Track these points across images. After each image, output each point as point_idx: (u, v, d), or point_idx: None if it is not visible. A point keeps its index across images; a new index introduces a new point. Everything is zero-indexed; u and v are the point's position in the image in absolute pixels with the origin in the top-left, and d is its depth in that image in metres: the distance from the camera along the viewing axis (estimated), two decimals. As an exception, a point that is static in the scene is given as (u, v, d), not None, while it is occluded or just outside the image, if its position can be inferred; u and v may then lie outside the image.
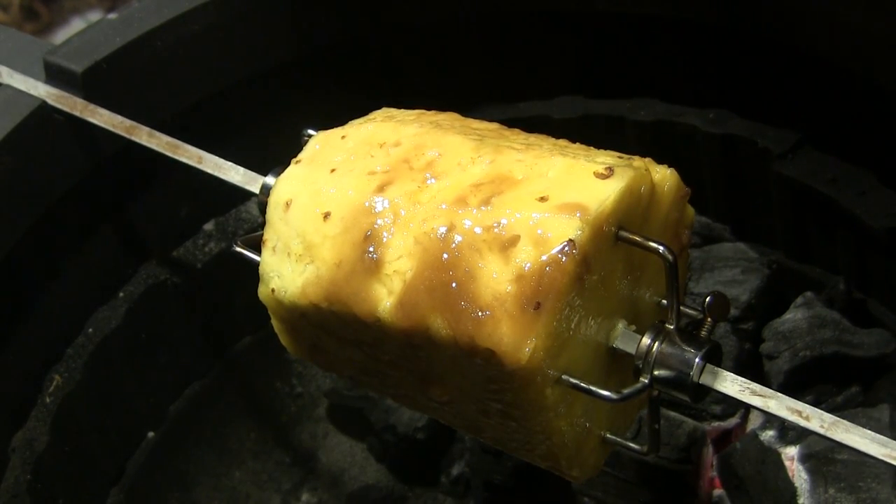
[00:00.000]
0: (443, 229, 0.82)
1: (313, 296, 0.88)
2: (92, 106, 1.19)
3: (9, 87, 1.23)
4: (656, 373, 0.84)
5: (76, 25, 2.52)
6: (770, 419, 1.16)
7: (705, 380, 0.83)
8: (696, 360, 0.83)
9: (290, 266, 0.90)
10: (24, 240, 1.20)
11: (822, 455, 1.11)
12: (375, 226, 0.85)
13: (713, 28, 1.30)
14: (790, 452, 1.15)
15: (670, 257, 0.81)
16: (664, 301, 0.89)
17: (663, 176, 0.85)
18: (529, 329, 0.78)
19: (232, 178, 1.07)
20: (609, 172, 0.80)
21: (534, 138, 0.89)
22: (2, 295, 1.21)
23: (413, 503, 1.44)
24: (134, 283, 1.35)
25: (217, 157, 1.09)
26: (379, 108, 0.99)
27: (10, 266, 1.19)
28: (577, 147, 0.88)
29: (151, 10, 1.29)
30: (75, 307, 1.31)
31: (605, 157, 0.84)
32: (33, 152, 1.21)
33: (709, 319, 0.85)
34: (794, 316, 1.25)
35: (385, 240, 0.84)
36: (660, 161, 0.89)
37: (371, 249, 0.84)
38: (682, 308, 0.87)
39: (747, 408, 1.23)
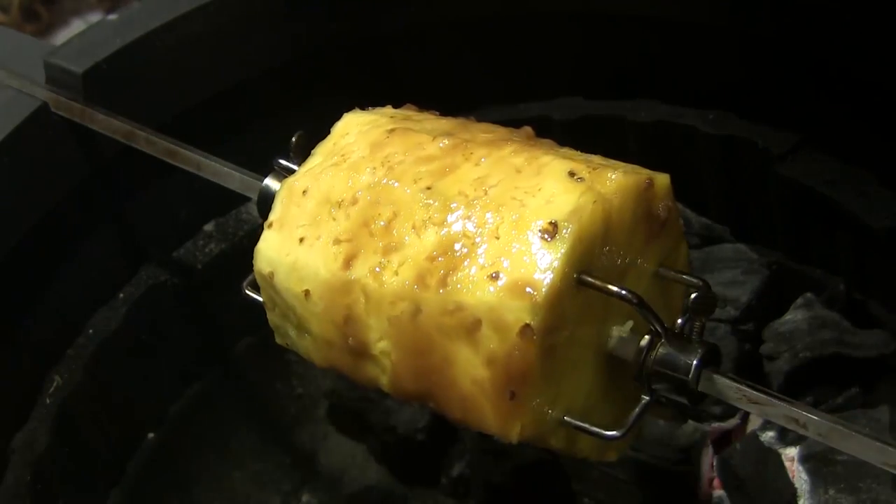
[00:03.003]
0: (410, 312, 0.83)
1: (319, 361, 0.92)
2: (92, 107, 1.19)
3: (9, 88, 1.23)
4: (655, 386, 0.85)
5: (76, 26, 2.52)
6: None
7: (704, 387, 0.83)
8: (692, 370, 0.83)
9: (293, 330, 0.93)
10: (24, 240, 1.20)
11: (823, 456, 1.11)
12: (351, 307, 0.86)
13: (713, 28, 1.30)
14: (790, 453, 1.15)
15: (634, 300, 0.81)
16: (663, 272, 0.90)
17: (618, 186, 0.83)
18: (512, 415, 0.81)
19: (230, 184, 1.07)
20: (553, 229, 0.80)
21: (488, 162, 0.87)
22: (2, 295, 1.21)
23: (413, 504, 1.45)
24: (134, 284, 1.35)
25: (216, 163, 1.09)
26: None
27: (10, 266, 1.19)
28: (533, 167, 0.85)
29: (151, 11, 1.29)
30: (75, 307, 1.31)
31: (555, 186, 0.83)
32: (34, 153, 1.21)
33: (697, 322, 0.85)
34: (795, 317, 1.25)
35: (363, 322, 0.86)
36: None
37: (353, 333, 0.87)
38: (684, 276, 0.88)
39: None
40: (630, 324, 0.87)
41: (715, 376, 0.83)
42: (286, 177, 0.96)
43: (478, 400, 0.82)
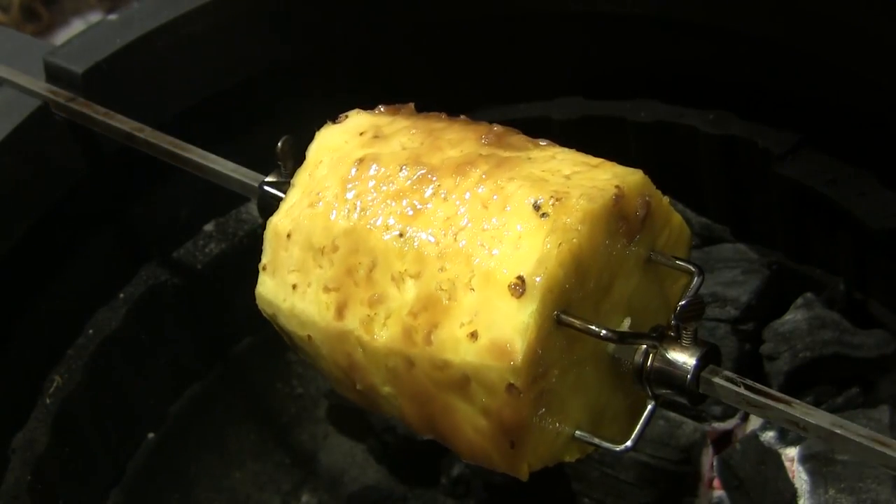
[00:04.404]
0: (404, 365, 0.84)
1: (338, 391, 0.94)
2: (92, 107, 1.19)
3: (9, 87, 1.23)
4: (658, 392, 0.85)
5: (76, 26, 2.52)
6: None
7: (703, 389, 0.84)
8: (690, 374, 0.83)
9: (309, 360, 0.95)
10: (24, 240, 1.20)
11: (823, 456, 1.11)
12: (351, 355, 0.88)
13: (713, 28, 1.30)
14: (790, 453, 1.15)
15: (615, 338, 0.81)
16: (655, 258, 0.89)
17: (583, 214, 0.81)
18: (517, 459, 0.83)
19: (230, 185, 1.07)
20: (521, 284, 0.79)
21: (456, 196, 0.85)
22: (2, 295, 1.21)
23: (413, 504, 1.45)
24: (134, 284, 1.35)
25: (216, 163, 1.09)
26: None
27: (10, 266, 1.19)
28: (500, 200, 0.84)
29: (151, 11, 1.29)
30: (75, 307, 1.31)
31: (521, 226, 0.82)
32: (33, 153, 1.21)
33: (689, 328, 0.85)
34: (795, 317, 1.25)
35: (365, 368, 0.87)
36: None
37: (359, 378, 0.89)
38: (678, 263, 0.88)
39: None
40: (627, 321, 0.87)
41: (714, 379, 0.83)
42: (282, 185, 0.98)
43: (482, 446, 0.84)
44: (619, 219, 0.84)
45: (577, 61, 1.43)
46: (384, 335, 0.85)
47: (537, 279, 0.79)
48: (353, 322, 0.87)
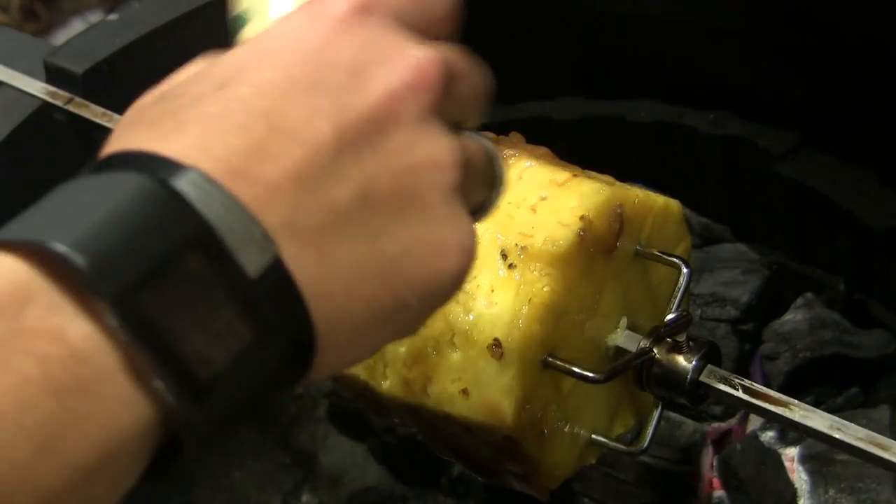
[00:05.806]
0: (411, 410, 0.85)
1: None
2: (92, 108, 1.19)
3: (9, 88, 1.23)
4: (660, 394, 0.86)
5: (76, 26, 2.52)
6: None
7: (703, 392, 0.84)
8: (688, 377, 0.83)
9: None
10: (24, 241, 1.20)
11: (823, 456, 1.11)
12: (363, 395, 0.89)
13: (713, 28, 1.30)
14: (790, 453, 1.15)
15: (602, 379, 0.80)
16: (641, 252, 0.88)
17: (552, 258, 0.80)
18: (533, 486, 0.84)
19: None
20: (499, 346, 0.79)
21: None
22: (2, 296, 1.21)
23: (413, 504, 1.45)
24: (134, 284, 1.35)
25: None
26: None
27: (10, 267, 1.19)
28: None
29: (152, 11, 1.29)
30: (75, 308, 1.30)
31: (492, 280, 0.80)
32: (33, 154, 1.21)
33: (681, 338, 0.85)
34: (795, 317, 1.25)
35: (378, 406, 0.89)
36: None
37: (377, 412, 0.90)
38: (663, 256, 0.87)
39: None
40: (625, 321, 0.87)
41: (712, 381, 0.83)
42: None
43: (499, 474, 0.85)
44: (592, 244, 0.82)
45: (577, 61, 1.43)
46: (387, 384, 0.86)
47: (514, 341, 0.78)
48: (356, 367, 0.87)
